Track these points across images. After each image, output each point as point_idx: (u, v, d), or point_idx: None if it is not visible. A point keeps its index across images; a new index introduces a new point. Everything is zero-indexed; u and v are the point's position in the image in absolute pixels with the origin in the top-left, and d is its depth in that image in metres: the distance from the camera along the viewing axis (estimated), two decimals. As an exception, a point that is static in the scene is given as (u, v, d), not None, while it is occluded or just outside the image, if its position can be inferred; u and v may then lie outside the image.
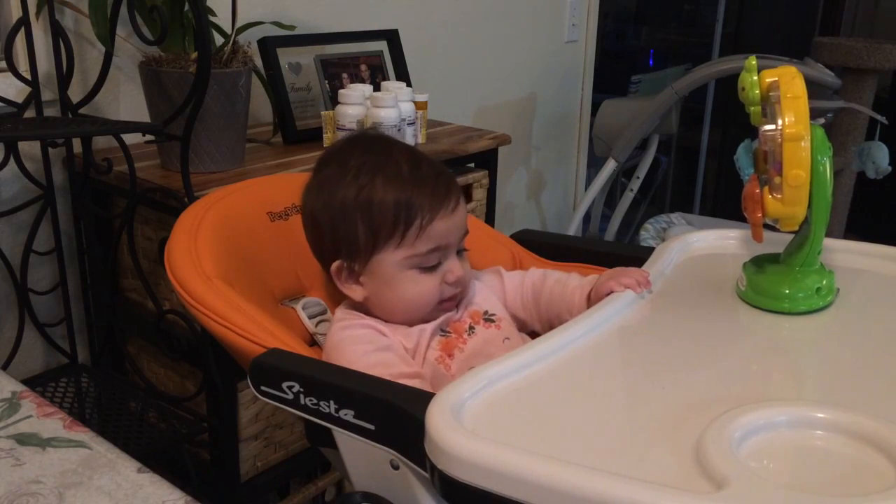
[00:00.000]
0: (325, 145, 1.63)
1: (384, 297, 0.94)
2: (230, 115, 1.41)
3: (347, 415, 0.76)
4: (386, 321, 0.95)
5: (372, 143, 0.98)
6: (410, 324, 0.94)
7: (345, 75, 1.75)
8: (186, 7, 1.36)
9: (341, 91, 1.59)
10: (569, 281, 1.00)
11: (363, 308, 0.96)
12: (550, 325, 0.99)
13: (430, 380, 0.90)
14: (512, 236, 1.17)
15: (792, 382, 0.82)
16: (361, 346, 0.91)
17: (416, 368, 0.90)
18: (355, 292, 0.95)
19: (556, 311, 0.99)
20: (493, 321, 0.98)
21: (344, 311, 0.98)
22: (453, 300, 0.96)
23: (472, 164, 1.81)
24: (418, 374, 0.89)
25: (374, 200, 0.91)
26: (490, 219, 1.84)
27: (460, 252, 0.96)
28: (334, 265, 0.95)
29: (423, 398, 0.70)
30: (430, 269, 0.93)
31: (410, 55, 1.91)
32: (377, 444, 0.75)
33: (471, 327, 0.96)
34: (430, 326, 0.94)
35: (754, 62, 0.87)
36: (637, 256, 1.03)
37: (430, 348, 0.93)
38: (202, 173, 1.41)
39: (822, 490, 0.61)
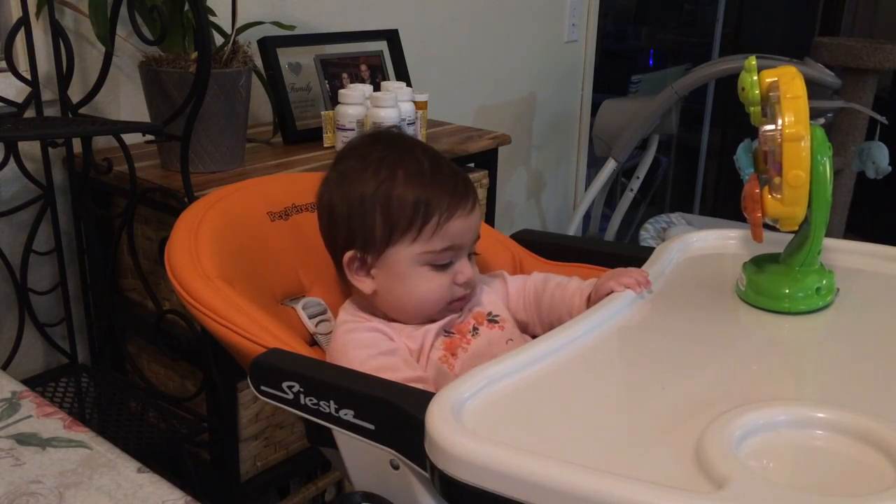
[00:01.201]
0: (325, 145, 1.63)
1: (394, 292, 0.94)
2: (230, 115, 1.41)
3: (347, 415, 0.76)
4: (391, 320, 0.95)
5: (393, 140, 0.99)
6: (416, 322, 0.94)
7: (345, 75, 1.75)
8: (186, 7, 1.36)
9: (341, 91, 1.59)
10: (569, 284, 1.00)
11: (368, 307, 0.96)
12: (551, 328, 0.99)
13: (434, 380, 0.90)
14: (512, 236, 1.17)
15: (792, 382, 0.82)
16: (366, 349, 0.91)
17: (420, 372, 0.90)
18: (365, 285, 0.95)
19: (556, 315, 1.00)
20: (496, 322, 0.98)
21: (349, 312, 0.98)
22: (462, 301, 0.97)
23: (472, 164, 1.80)
24: (422, 379, 0.89)
25: (394, 194, 0.92)
26: (490, 219, 1.84)
27: (471, 255, 0.97)
28: (347, 255, 0.95)
29: (422, 398, 0.70)
30: (442, 267, 0.94)
31: (410, 55, 1.91)
32: (377, 444, 0.75)
33: (474, 328, 0.96)
34: (434, 327, 0.94)
35: (754, 62, 0.87)
36: (637, 256, 1.03)
37: (433, 348, 0.93)
38: (202, 173, 1.41)
39: (822, 490, 0.61)
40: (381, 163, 0.93)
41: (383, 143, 0.97)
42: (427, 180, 0.92)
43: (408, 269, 0.93)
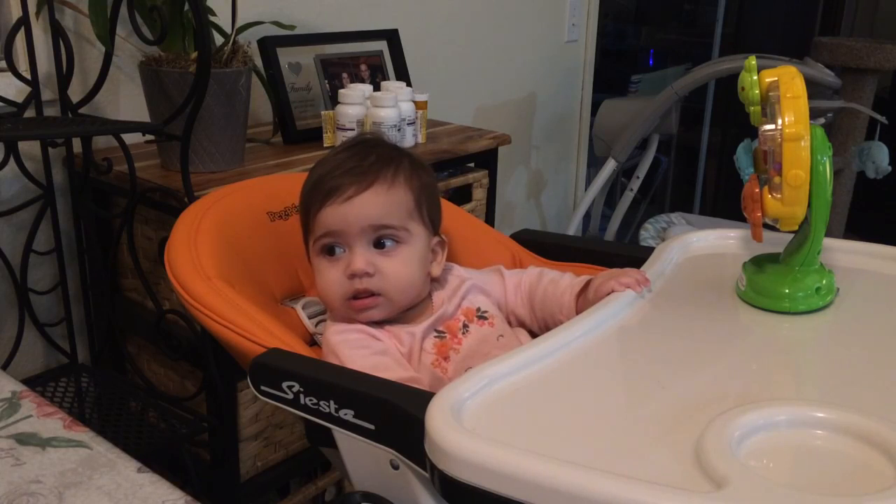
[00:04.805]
0: (325, 145, 1.63)
1: (317, 289, 0.97)
2: (230, 114, 1.41)
3: (347, 414, 0.76)
4: (376, 324, 0.95)
5: (352, 139, 1.00)
6: (346, 321, 0.94)
7: (345, 75, 1.75)
8: (186, 7, 1.36)
9: (341, 91, 1.59)
10: (561, 281, 1.00)
11: None
12: (545, 324, 1.00)
13: (430, 385, 0.90)
14: (512, 236, 1.17)
15: (792, 382, 0.82)
16: (357, 350, 0.90)
17: (412, 373, 0.90)
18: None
19: (548, 311, 0.99)
20: (485, 318, 0.98)
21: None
22: (365, 301, 0.92)
23: (472, 164, 1.81)
24: (415, 379, 0.88)
25: (303, 188, 0.96)
26: (490, 219, 1.84)
27: (383, 246, 0.93)
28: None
29: (422, 398, 0.70)
30: (334, 259, 0.93)
31: (410, 55, 1.91)
32: (377, 444, 0.75)
33: (465, 325, 0.96)
34: (419, 329, 0.93)
35: (754, 62, 0.87)
36: (637, 256, 1.03)
37: (423, 351, 0.93)
38: (202, 173, 1.41)
39: (821, 490, 0.62)
40: (317, 163, 0.97)
41: (342, 143, 0.99)
42: (320, 169, 0.94)
43: (314, 260, 0.96)
